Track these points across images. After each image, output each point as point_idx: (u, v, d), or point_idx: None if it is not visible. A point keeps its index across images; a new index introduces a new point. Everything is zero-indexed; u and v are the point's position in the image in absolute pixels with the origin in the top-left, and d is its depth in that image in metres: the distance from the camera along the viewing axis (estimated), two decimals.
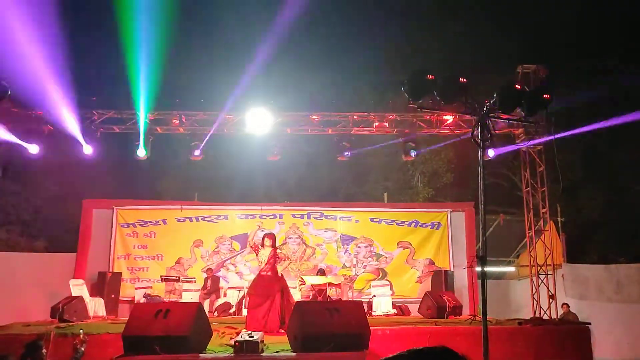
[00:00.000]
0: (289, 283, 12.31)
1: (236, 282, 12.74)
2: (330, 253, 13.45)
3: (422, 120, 12.09)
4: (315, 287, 11.30)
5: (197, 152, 12.13)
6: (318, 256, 13.40)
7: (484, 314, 4.64)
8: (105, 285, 11.70)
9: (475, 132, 4.55)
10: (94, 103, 11.20)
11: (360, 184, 13.77)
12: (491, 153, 11.18)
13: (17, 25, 9.04)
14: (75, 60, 10.18)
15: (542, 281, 11.85)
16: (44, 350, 5.46)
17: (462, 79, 4.23)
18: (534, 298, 11.85)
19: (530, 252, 12.22)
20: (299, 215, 13.61)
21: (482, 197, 4.71)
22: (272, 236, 9.01)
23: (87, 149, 11.60)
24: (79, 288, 10.75)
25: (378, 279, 13.11)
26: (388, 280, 13.08)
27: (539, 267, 11.99)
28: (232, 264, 13.21)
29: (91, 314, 10.33)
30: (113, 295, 11.72)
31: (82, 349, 5.47)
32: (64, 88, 10.41)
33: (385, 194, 14.41)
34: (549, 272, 11.82)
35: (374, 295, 11.99)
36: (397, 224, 13.73)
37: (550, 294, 11.59)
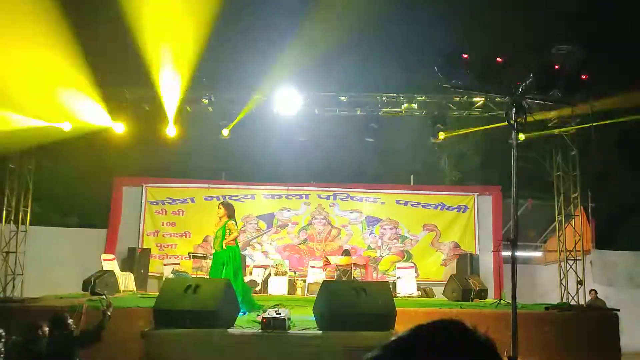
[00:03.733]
0: (314, 263, 12.51)
1: (262, 261, 12.89)
2: (355, 234, 13.49)
3: (451, 102, 11.91)
4: (340, 268, 11.37)
5: (225, 132, 12.20)
6: (343, 237, 13.45)
7: (514, 297, 4.61)
8: (135, 260, 11.99)
9: (509, 113, 4.47)
10: (126, 80, 11.31)
11: (387, 165, 13.68)
12: (521, 136, 10.96)
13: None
14: (106, 38, 10.27)
15: (571, 267, 11.70)
16: (70, 321, 5.57)
17: (498, 59, 4.15)
18: (561, 283, 11.73)
19: (559, 237, 12.06)
20: (325, 196, 13.66)
21: (515, 180, 4.64)
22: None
23: (118, 127, 11.77)
24: (109, 263, 11.03)
25: (403, 261, 13.13)
26: (413, 263, 13.08)
27: (567, 253, 11.83)
28: (259, 243, 13.36)
29: (122, 288, 10.60)
30: (142, 271, 12.02)
31: (109, 313, 5.60)
32: (96, 65, 10.52)
33: (412, 176, 14.31)
34: (577, 258, 11.66)
35: (399, 277, 12.01)
36: (423, 206, 13.69)
37: (578, 279, 11.45)
